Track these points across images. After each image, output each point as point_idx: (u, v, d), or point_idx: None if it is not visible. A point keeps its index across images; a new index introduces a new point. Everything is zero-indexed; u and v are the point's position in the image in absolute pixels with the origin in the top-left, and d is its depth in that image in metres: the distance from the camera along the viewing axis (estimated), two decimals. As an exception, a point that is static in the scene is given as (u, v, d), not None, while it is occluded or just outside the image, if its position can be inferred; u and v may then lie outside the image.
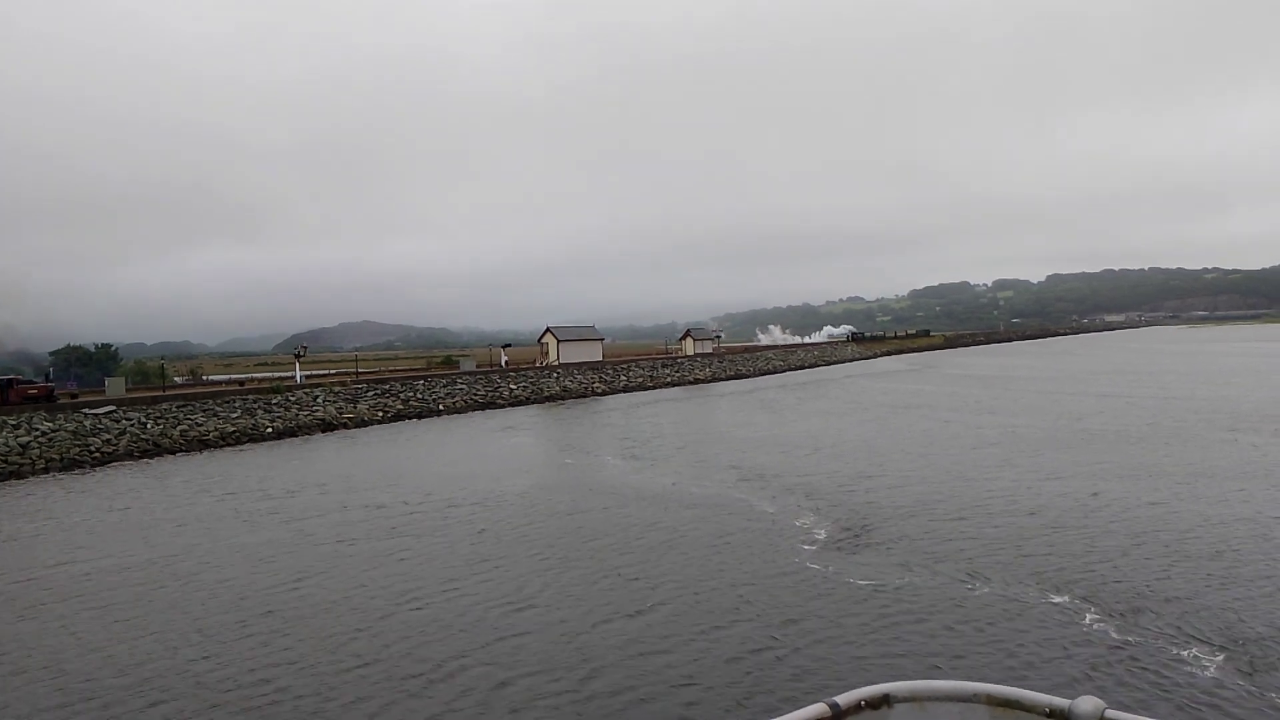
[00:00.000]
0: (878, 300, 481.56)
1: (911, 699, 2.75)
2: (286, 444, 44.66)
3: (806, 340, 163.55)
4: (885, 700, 2.72)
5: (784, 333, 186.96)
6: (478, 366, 74.97)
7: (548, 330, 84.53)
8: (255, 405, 49.79)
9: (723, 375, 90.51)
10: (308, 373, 66.48)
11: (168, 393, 51.97)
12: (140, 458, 40.27)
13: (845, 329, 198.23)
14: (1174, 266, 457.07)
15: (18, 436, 38.42)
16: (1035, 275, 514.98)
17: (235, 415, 47.68)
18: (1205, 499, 22.73)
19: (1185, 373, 73.78)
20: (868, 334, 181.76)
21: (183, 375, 79.61)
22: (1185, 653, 12.61)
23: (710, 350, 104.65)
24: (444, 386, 63.02)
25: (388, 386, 59.55)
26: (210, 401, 48.74)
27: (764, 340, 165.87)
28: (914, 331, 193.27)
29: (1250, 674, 11.84)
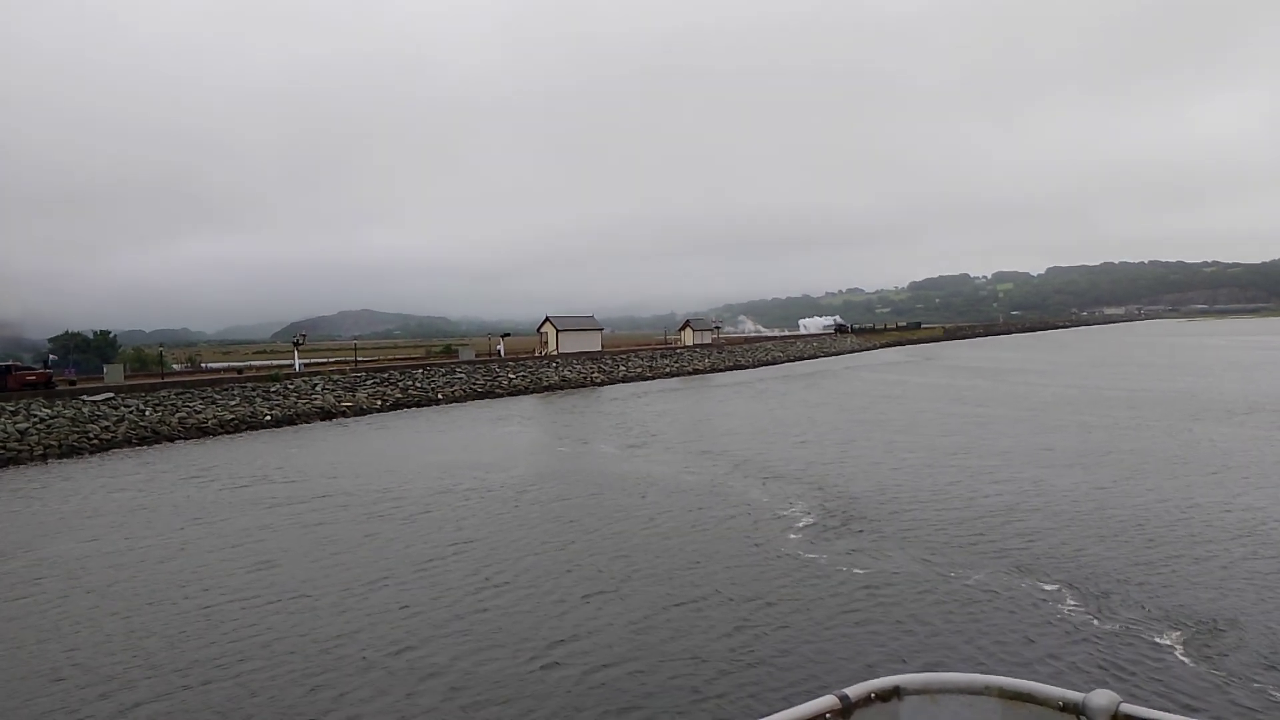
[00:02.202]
0: (877, 292, 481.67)
1: (922, 691, 2.73)
2: (285, 432, 44.80)
3: (786, 333, 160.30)
4: (895, 692, 2.71)
5: (755, 326, 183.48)
6: (477, 356, 75.05)
7: (547, 320, 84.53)
8: (254, 393, 49.90)
9: (722, 366, 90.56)
10: (306, 361, 66.56)
11: (166, 380, 52.14)
12: (139, 445, 40.39)
13: (820, 321, 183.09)
14: (1174, 260, 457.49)
15: (16, 423, 38.52)
16: (1035, 268, 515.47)
17: (234, 403, 47.79)
18: (1143, 488, 23.64)
19: (1170, 365, 74.68)
20: (856, 325, 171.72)
21: (181, 363, 79.81)
22: (1160, 638, 12.83)
23: (710, 341, 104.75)
24: (443, 375, 63.12)
25: (386, 375, 59.64)
26: (209, 389, 48.83)
27: (731, 332, 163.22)
28: (904, 324, 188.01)
29: (1232, 657, 12.04)
